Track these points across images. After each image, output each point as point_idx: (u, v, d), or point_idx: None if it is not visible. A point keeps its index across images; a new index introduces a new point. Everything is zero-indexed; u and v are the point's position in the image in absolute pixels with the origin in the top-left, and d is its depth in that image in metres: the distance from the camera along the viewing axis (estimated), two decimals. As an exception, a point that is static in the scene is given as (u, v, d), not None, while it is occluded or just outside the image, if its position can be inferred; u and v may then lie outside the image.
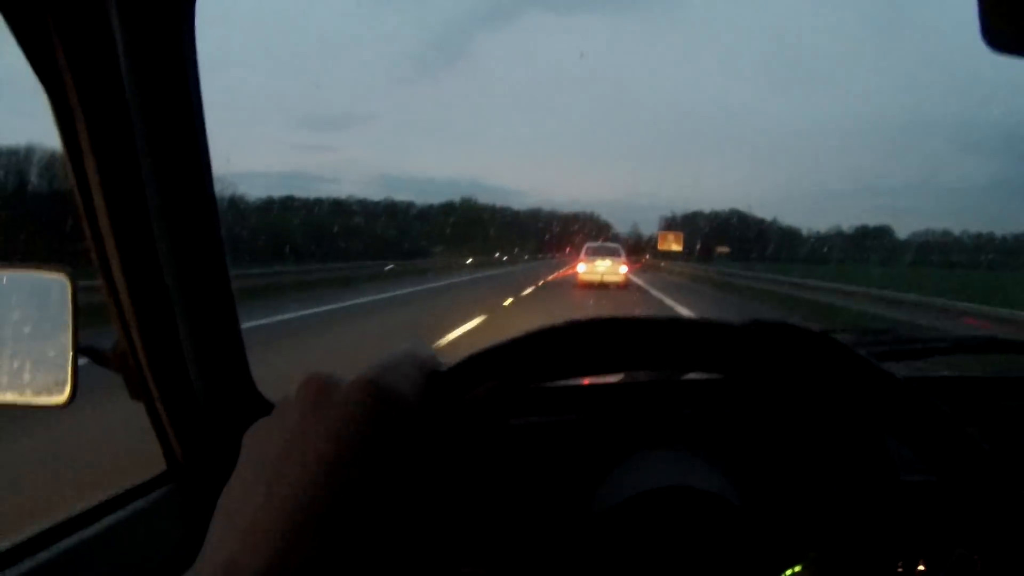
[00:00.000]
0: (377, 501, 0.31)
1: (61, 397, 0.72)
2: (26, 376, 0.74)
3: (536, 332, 0.40)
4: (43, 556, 0.65)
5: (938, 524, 0.72)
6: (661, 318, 0.41)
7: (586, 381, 0.87)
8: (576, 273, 17.10)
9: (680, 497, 0.68)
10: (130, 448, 0.98)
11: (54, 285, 0.74)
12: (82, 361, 0.74)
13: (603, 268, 16.31)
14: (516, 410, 0.77)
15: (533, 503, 0.75)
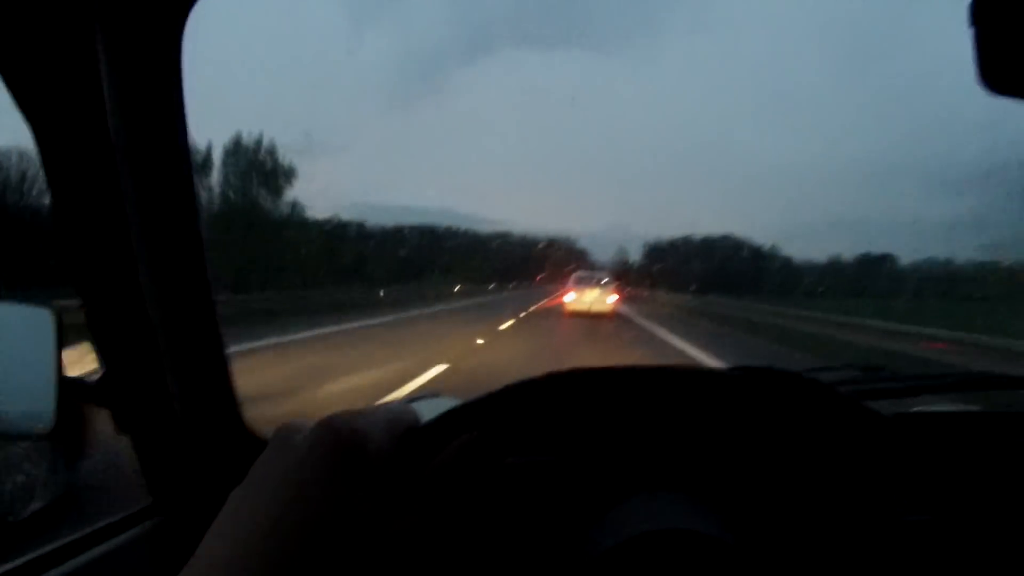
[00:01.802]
0: (328, 541, 0.31)
1: (46, 428, 0.72)
2: (11, 408, 0.74)
3: (515, 386, 0.40)
4: None
5: (941, 564, 0.72)
6: (644, 368, 0.40)
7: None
8: (563, 303, 16.72)
9: (676, 540, 0.68)
10: (115, 482, 0.96)
11: (39, 319, 0.74)
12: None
13: (591, 298, 16.03)
14: (510, 450, 0.76)
15: (526, 546, 0.74)
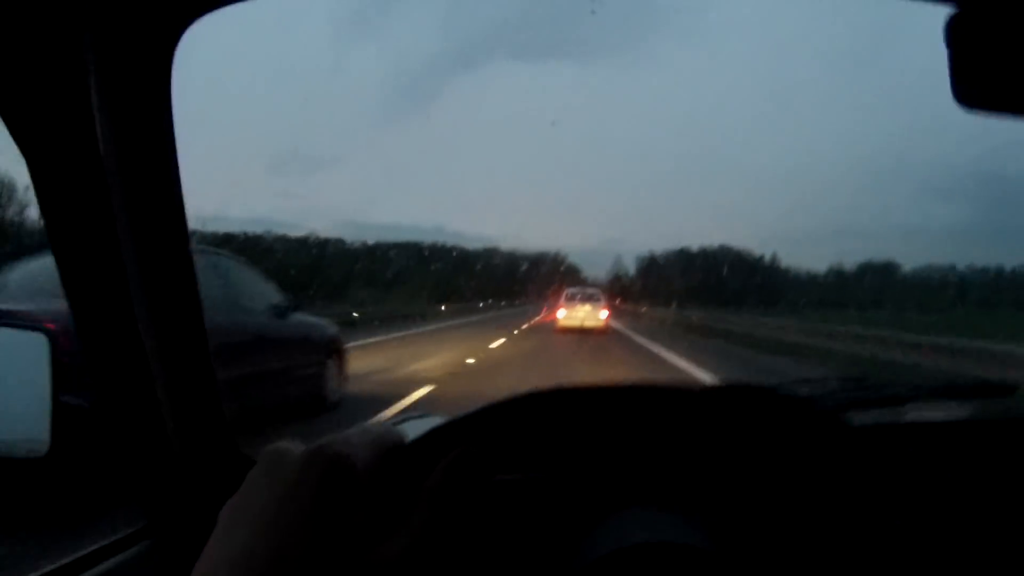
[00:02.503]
0: (318, 560, 0.32)
1: (42, 451, 0.72)
2: (6, 431, 0.75)
3: (498, 403, 0.40)
4: None
5: (924, 571, 0.72)
6: (625, 385, 0.41)
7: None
8: (555, 320, 16.72)
9: (662, 553, 0.68)
10: (108, 504, 0.97)
11: (33, 342, 0.75)
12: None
13: (583, 314, 16.08)
14: (497, 466, 0.77)
15: (514, 562, 0.75)
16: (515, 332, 15.15)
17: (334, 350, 5.70)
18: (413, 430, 0.43)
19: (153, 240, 0.76)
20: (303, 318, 5.57)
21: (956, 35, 0.55)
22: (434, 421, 0.52)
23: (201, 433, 0.84)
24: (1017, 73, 0.53)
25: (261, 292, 5.17)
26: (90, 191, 0.72)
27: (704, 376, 8.37)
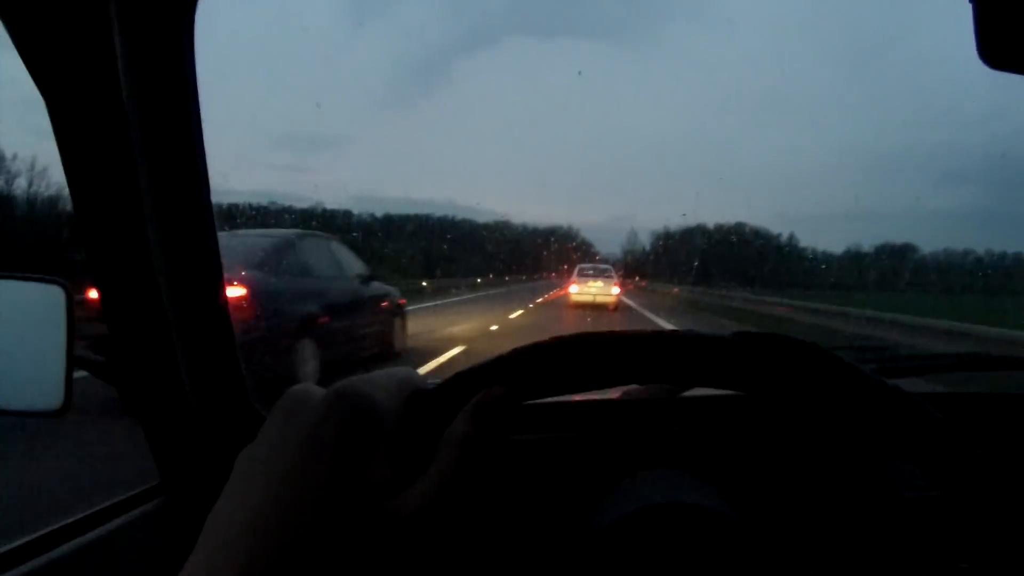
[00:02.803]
0: (341, 506, 0.31)
1: (55, 405, 0.72)
2: (21, 384, 0.74)
3: (523, 349, 0.40)
4: (34, 564, 0.65)
5: (941, 540, 0.72)
6: (648, 333, 0.40)
7: (579, 398, 0.87)
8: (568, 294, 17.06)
9: (679, 514, 0.68)
10: (123, 459, 0.97)
11: (50, 295, 0.74)
12: (78, 373, 0.74)
13: (595, 289, 16.42)
14: (515, 426, 0.77)
15: (531, 521, 0.75)
16: (530, 306, 15.30)
17: (400, 311, 7.14)
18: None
19: (173, 197, 0.76)
20: (379, 285, 6.97)
21: None
22: None
23: (218, 392, 0.84)
24: None
25: (352, 264, 6.54)
26: (112, 148, 0.72)
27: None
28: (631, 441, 0.79)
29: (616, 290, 16.79)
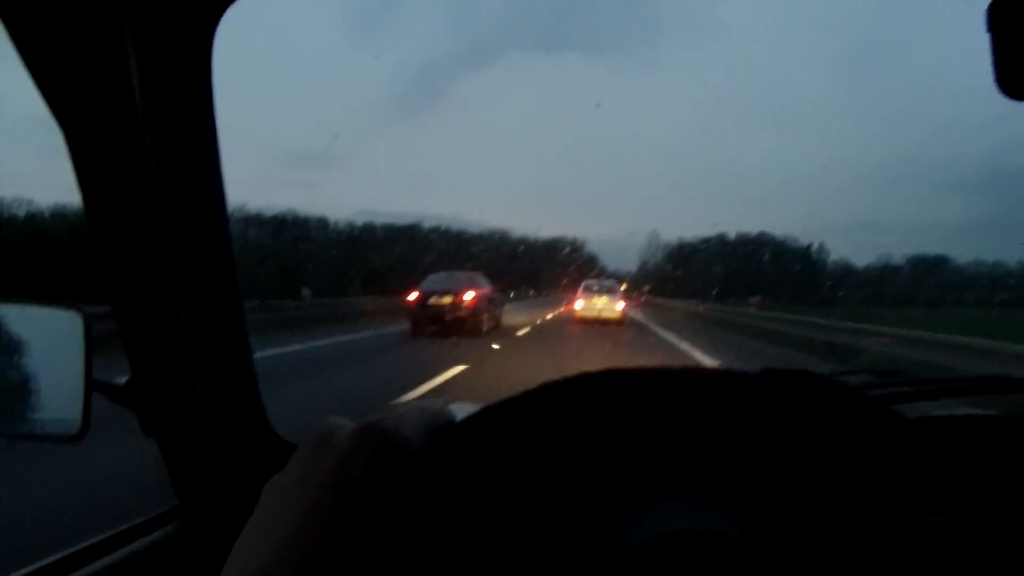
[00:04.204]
0: (363, 542, 0.32)
1: (73, 431, 0.73)
2: (39, 410, 0.75)
3: (548, 385, 0.40)
4: None
5: (960, 565, 0.70)
6: (675, 369, 0.40)
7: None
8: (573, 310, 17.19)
9: (698, 541, 0.67)
10: (142, 484, 0.97)
11: (68, 321, 0.75)
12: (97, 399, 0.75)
13: (600, 305, 16.64)
14: (540, 452, 0.77)
15: (551, 546, 0.74)
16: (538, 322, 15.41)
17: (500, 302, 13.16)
18: (460, 412, 0.42)
19: (191, 221, 0.76)
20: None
21: (998, 20, 0.52)
22: (469, 407, 0.51)
23: (235, 414, 0.84)
24: None
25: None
26: (129, 171, 0.72)
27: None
28: (651, 467, 0.79)
29: (621, 305, 17.11)
